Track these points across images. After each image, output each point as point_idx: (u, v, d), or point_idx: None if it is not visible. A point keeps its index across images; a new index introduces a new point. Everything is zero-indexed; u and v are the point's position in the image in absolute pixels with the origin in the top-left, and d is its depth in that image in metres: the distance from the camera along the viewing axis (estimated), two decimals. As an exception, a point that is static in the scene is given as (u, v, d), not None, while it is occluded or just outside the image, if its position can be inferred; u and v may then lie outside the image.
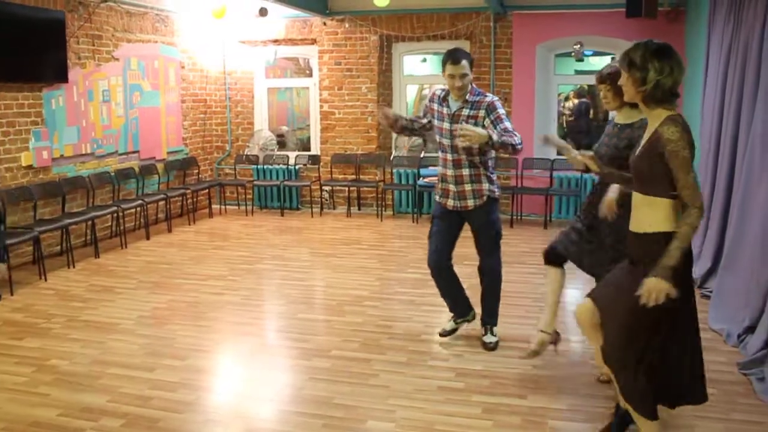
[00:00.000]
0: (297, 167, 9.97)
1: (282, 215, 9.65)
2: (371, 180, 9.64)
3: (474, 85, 4.40)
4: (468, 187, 4.40)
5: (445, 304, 4.73)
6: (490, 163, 4.47)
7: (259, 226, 8.92)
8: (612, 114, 4.01)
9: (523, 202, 8.96)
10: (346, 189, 9.74)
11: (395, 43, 9.57)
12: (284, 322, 5.29)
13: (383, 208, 9.48)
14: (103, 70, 7.93)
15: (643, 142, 2.85)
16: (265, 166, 10.04)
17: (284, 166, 9.97)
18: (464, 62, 4.25)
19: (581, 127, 11.38)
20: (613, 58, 9.05)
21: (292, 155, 10.10)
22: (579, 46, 8.70)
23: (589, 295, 3.12)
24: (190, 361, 4.41)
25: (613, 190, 3.54)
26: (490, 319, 4.66)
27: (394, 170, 9.52)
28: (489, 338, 4.60)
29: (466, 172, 4.38)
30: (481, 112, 4.30)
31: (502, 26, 8.97)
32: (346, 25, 9.50)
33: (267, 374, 4.28)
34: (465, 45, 9.29)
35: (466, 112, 4.32)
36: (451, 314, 4.72)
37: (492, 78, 9.08)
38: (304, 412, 3.71)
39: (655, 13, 7.74)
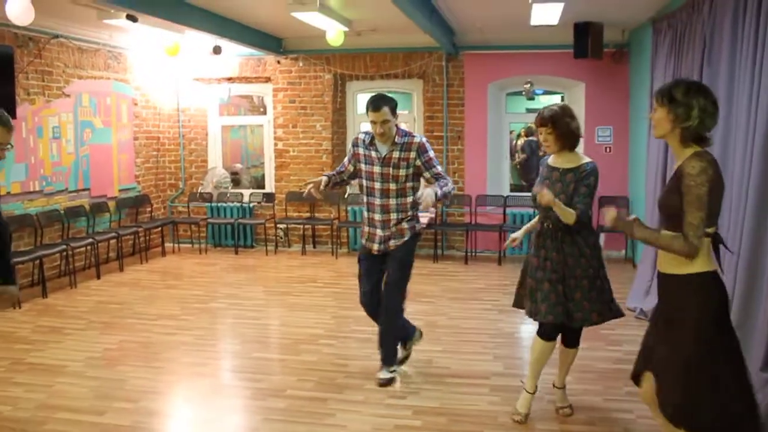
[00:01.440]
0: (251, 205, 9.91)
1: (236, 253, 9.55)
2: (326, 218, 9.64)
3: (400, 126, 4.46)
4: (393, 230, 4.45)
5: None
6: (415, 203, 4.47)
7: (213, 265, 8.81)
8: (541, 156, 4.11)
9: (477, 238, 9.06)
10: (301, 227, 9.71)
11: (349, 81, 9.66)
12: (238, 362, 5.21)
13: (338, 246, 9.47)
14: (53, 106, 7.82)
15: (668, 179, 2.85)
16: (219, 204, 9.96)
17: (238, 204, 9.90)
18: (385, 109, 4.29)
19: (532, 164, 11.61)
20: (562, 98, 9.33)
21: (246, 193, 10.05)
22: (529, 85, 8.92)
23: (641, 370, 2.97)
24: (143, 404, 4.30)
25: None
26: (386, 360, 4.59)
27: (349, 208, 9.54)
28: (385, 374, 4.56)
29: (393, 216, 4.44)
30: (412, 154, 4.38)
31: (454, 66, 9.15)
32: (300, 64, 9.56)
33: (221, 415, 4.20)
34: (418, 84, 9.46)
35: (396, 154, 4.38)
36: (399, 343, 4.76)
37: (445, 116, 9.22)
38: (259, 454, 3.64)
39: (601, 54, 8.04)
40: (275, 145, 9.88)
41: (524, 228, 4.07)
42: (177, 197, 10.29)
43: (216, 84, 10.04)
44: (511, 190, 9.67)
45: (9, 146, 3.20)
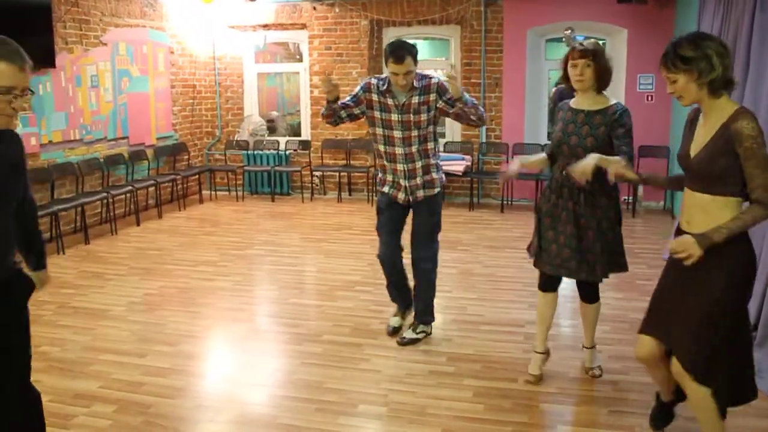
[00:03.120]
0: (287, 153, 9.94)
1: (273, 201, 9.63)
2: (362, 165, 9.63)
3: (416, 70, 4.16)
4: (419, 180, 4.26)
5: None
6: (438, 149, 4.38)
7: (249, 212, 8.90)
8: (562, 100, 3.78)
9: (513, 187, 8.97)
10: (337, 174, 9.73)
11: (386, 28, 9.52)
12: (275, 308, 5.29)
13: (374, 194, 9.47)
14: (90, 55, 7.86)
15: (703, 138, 2.64)
16: (256, 152, 10.00)
17: (275, 152, 9.93)
18: (408, 59, 4.02)
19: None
20: (603, 45, 9.06)
21: (282, 141, 10.07)
22: (570, 31, 8.66)
23: (644, 332, 2.93)
24: (181, 347, 4.42)
25: (593, 157, 3.10)
26: (424, 314, 4.48)
27: (385, 156, 9.48)
28: (411, 334, 4.42)
29: (419, 164, 4.24)
30: (432, 96, 4.15)
31: (493, 11, 8.94)
32: (336, 10, 9.44)
33: (258, 359, 4.29)
34: (456, 30, 9.27)
35: (416, 99, 4.14)
36: (399, 311, 4.65)
37: (483, 63, 9.06)
38: (295, 397, 3.72)
39: (646, -1, 7.75)
40: (311, 92, 9.84)
41: (521, 163, 3.63)
42: (213, 145, 10.36)
43: (251, 31, 9.98)
44: (547, 138, 9.52)
45: (29, 92, 2.28)
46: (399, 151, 4.24)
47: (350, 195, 9.83)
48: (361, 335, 4.57)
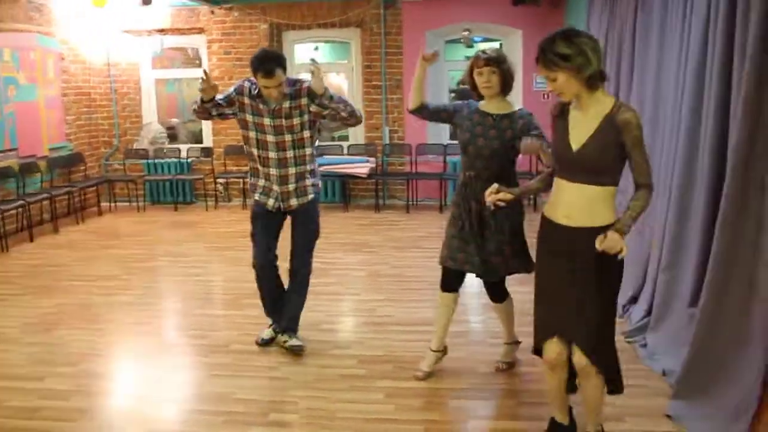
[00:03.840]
0: (189, 160, 9.71)
1: (176, 210, 9.38)
2: (267, 171, 9.50)
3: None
4: (292, 186, 4.19)
5: (339, 294, 4.61)
6: (315, 153, 4.32)
7: (152, 223, 8.65)
8: (469, 103, 3.84)
9: (418, 187, 9.10)
10: (241, 181, 9.57)
11: (285, 31, 9.45)
12: (181, 320, 5.16)
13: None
14: (-28, 63, 7.44)
15: (585, 131, 2.68)
16: (156, 160, 9.72)
17: (176, 160, 9.69)
18: (278, 71, 3.88)
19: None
20: (500, 45, 9.33)
21: (183, 148, 9.83)
22: (467, 32, 8.86)
23: (547, 336, 2.94)
24: (83, 366, 4.23)
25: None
26: (293, 324, 4.40)
27: (290, 160, 9.42)
28: (296, 341, 4.32)
29: (292, 170, 4.16)
30: (303, 100, 4.06)
31: (392, 14, 9.04)
32: (235, 14, 9.30)
33: (166, 374, 4.17)
34: (356, 33, 9.32)
35: (287, 104, 4.05)
36: (271, 321, 4.53)
37: (383, 65, 9.14)
38: (204, 410, 3.64)
39: (539, 1, 8.03)
40: (211, 98, 9.62)
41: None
42: (112, 155, 10.00)
43: (147, 36, 9.69)
44: (451, 138, 9.70)
45: None
46: (272, 155, 4.14)
47: (256, 201, 9.69)
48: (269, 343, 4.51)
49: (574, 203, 2.74)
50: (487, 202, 3.05)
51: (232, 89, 4.19)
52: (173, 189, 9.58)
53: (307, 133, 4.15)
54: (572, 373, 2.99)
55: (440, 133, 9.39)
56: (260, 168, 4.21)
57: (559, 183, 2.82)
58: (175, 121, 10.73)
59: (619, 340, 4.26)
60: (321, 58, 11.25)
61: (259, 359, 4.26)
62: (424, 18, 8.99)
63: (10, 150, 8.03)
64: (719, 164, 3.46)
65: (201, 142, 10.12)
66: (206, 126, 9.96)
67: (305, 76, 4.09)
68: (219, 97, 4.10)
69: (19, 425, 3.50)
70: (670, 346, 3.89)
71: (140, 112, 9.98)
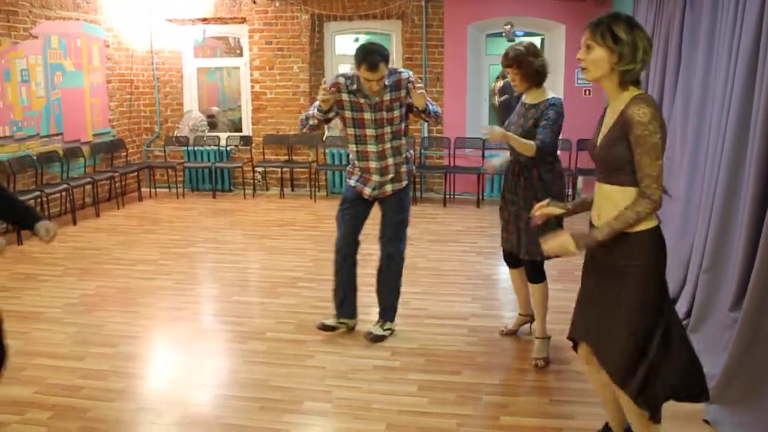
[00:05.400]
0: (228, 148, 9.81)
1: (214, 197, 9.49)
2: (304, 161, 9.57)
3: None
4: (391, 175, 4.26)
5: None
6: (409, 145, 4.42)
7: (190, 209, 8.76)
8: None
9: (456, 181, 9.06)
10: (279, 170, 9.64)
11: (327, 22, 9.47)
12: (218, 306, 5.22)
13: (316, 189, 9.43)
14: (20, 48, 7.59)
15: (605, 127, 2.58)
16: (196, 148, 9.84)
17: (215, 148, 9.79)
18: (381, 66, 3.92)
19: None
20: (542, 40, 9.23)
21: (223, 136, 9.93)
22: (509, 26, 8.79)
23: (575, 338, 2.85)
24: (121, 348, 4.31)
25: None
26: (389, 311, 4.45)
27: (327, 150, 9.47)
28: (378, 330, 4.38)
29: (390, 161, 4.24)
30: (403, 92, 4.10)
31: (434, 6, 8.99)
32: (277, 4, 9.34)
33: (201, 359, 4.22)
34: (397, 25, 9.29)
35: (388, 96, 4.08)
36: (337, 311, 4.49)
37: (424, 58, 9.10)
38: (240, 396, 3.68)
39: (584, -5, 7.92)
40: (252, 87, 9.72)
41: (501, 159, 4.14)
42: (153, 141, 10.15)
43: (190, 25, 9.79)
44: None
45: None
46: (371, 149, 4.21)
47: (292, 191, 9.76)
48: (305, 332, 4.55)
49: (601, 203, 2.62)
50: (535, 217, 2.97)
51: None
52: (212, 176, 9.69)
53: (403, 125, 4.24)
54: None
55: (479, 126, 9.32)
56: (359, 162, 4.29)
57: (596, 181, 2.71)
58: (215, 109, 10.83)
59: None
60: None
61: (295, 348, 4.29)
62: (466, 11, 8.93)
63: (56, 135, 8.20)
64: (767, 167, 3.38)
65: (240, 131, 10.21)
66: (246, 115, 10.05)
67: (404, 72, 4.15)
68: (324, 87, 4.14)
69: (61, 402, 3.58)
70: (710, 350, 3.81)
71: (181, 99, 10.10)
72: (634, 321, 2.54)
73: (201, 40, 10.01)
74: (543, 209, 2.93)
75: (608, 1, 8.37)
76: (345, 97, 4.14)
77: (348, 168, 4.42)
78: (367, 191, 4.29)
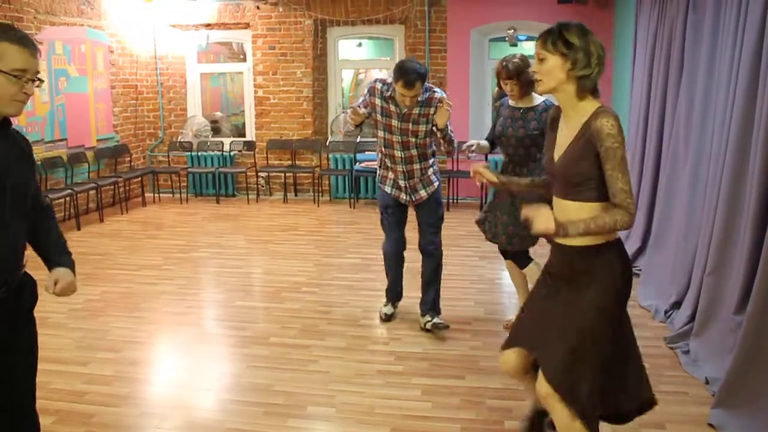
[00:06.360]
0: (232, 153, 9.83)
1: (218, 202, 9.51)
2: (307, 165, 9.58)
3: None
4: (418, 179, 4.46)
5: (378, 290, 4.78)
6: (434, 155, 4.59)
7: (194, 214, 8.77)
8: (503, 100, 4.41)
9: (459, 185, 9.06)
10: (283, 175, 9.66)
11: (330, 27, 9.50)
12: (221, 311, 5.23)
13: (320, 194, 9.45)
14: (25, 54, 7.60)
15: (563, 140, 2.50)
16: (200, 153, 9.86)
17: (219, 153, 9.81)
18: (418, 84, 4.07)
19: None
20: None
21: (226, 141, 9.95)
22: (512, 31, 8.81)
23: (510, 345, 2.78)
24: (125, 353, 4.32)
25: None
26: (436, 304, 4.66)
27: (331, 155, 9.49)
28: (438, 320, 4.55)
29: (417, 166, 4.42)
30: (432, 110, 4.25)
31: (437, 11, 9.01)
32: (280, 9, 9.37)
33: (205, 364, 4.23)
34: (400, 30, 9.31)
35: (417, 110, 4.25)
36: (391, 299, 4.86)
37: (427, 62, 9.11)
38: (243, 401, 3.68)
39: (586, 0, 7.92)
40: (255, 92, 9.74)
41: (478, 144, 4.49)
42: (156, 146, 10.17)
43: (194, 30, 9.83)
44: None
45: (37, 80, 2.23)
46: (398, 154, 4.40)
47: (296, 195, 9.78)
48: (309, 336, 4.55)
49: (560, 218, 2.45)
50: (473, 172, 3.06)
51: (366, 93, 4.44)
52: (216, 181, 9.70)
53: (429, 140, 4.40)
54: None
55: (482, 130, 9.31)
56: (387, 163, 4.50)
57: (554, 195, 2.61)
58: (218, 114, 10.86)
59: (661, 346, 4.23)
60: (365, 54, 11.30)
61: (298, 352, 4.30)
62: (468, 16, 8.94)
63: (60, 140, 8.22)
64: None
65: (244, 136, 10.23)
66: (249, 120, 10.07)
67: (438, 91, 4.31)
68: (360, 104, 4.44)
69: (65, 407, 3.58)
70: (714, 354, 3.81)
71: (185, 105, 10.13)
72: (587, 323, 2.47)
73: (204, 45, 10.04)
74: (479, 168, 3.00)
75: (610, 3, 8.38)
76: (378, 101, 4.34)
77: (379, 172, 4.61)
78: (403, 197, 4.52)
